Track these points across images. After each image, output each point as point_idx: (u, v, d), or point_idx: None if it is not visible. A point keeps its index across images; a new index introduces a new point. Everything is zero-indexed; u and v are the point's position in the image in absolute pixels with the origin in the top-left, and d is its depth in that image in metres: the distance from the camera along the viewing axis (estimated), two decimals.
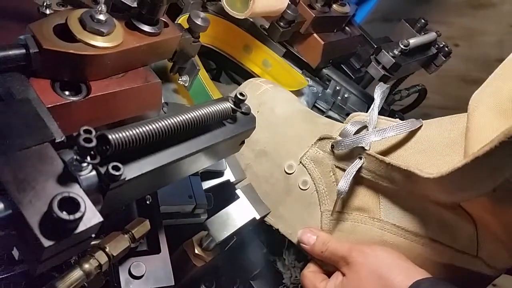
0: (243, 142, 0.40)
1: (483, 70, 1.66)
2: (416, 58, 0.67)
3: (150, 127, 0.29)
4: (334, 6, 0.66)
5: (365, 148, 0.45)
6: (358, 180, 0.47)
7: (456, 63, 1.56)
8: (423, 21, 0.75)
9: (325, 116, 0.61)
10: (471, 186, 0.36)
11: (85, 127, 0.26)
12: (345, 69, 0.73)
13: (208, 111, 0.33)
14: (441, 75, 1.54)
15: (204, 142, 0.33)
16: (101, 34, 0.37)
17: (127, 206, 0.38)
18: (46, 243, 0.23)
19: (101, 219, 0.25)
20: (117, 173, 0.26)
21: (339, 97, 0.66)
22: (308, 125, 0.52)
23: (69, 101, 0.36)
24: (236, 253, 0.60)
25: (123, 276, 0.34)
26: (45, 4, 0.41)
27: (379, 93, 0.50)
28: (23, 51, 0.34)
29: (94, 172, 0.27)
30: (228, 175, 0.51)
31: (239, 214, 0.49)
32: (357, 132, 0.48)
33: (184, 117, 0.31)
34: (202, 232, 0.50)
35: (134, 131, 0.28)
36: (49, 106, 0.34)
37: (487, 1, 1.39)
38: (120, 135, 0.27)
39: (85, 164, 0.26)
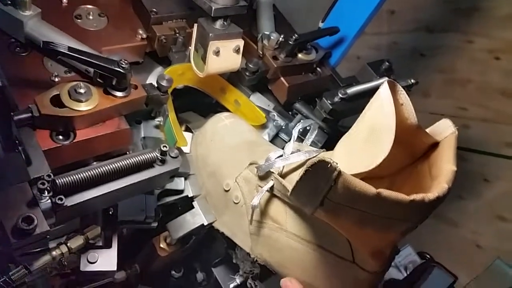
0: (173, 176, 0.58)
1: None
2: (364, 100, 0.80)
3: (89, 173, 0.48)
4: (299, 55, 0.81)
5: (273, 172, 0.61)
6: (273, 196, 0.62)
7: (497, 76, 1.60)
8: (387, 63, 0.86)
9: None
10: (306, 201, 0.50)
11: (47, 173, 0.46)
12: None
13: (132, 160, 0.51)
14: (481, 88, 1.58)
15: (130, 180, 0.51)
16: (80, 101, 0.56)
17: (94, 214, 0.58)
18: (13, 240, 0.43)
19: (47, 228, 0.45)
20: (60, 202, 0.45)
21: (299, 129, 0.80)
22: (249, 152, 0.68)
23: (59, 145, 0.56)
24: (202, 246, 0.78)
25: (83, 261, 0.55)
26: (54, 74, 0.62)
27: (298, 128, 0.65)
28: (30, 115, 0.54)
29: (49, 201, 0.46)
30: (188, 191, 0.69)
31: (192, 220, 0.68)
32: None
33: (112, 166, 0.49)
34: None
35: (77, 176, 0.47)
36: (44, 149, 0.54)
37: None
38: (66, 179, 0.47)
39: (44, 195, 0.46)
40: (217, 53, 0.66)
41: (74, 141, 0.57)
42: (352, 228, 0.52)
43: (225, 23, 0.66)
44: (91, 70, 0.60)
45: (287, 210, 0.61)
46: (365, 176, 0.48)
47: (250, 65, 0.75)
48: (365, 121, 0.53)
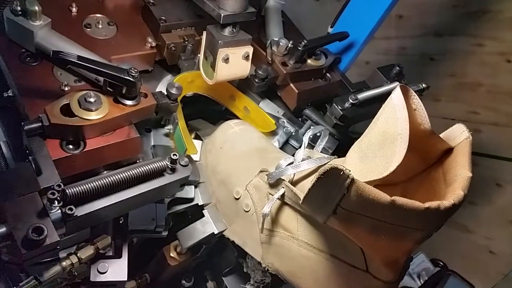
0: (183, 184, 0.57)
1: None
2: (376, 105, 0.79)
3: (99, 182, 0.48)
4: (309, 61, 0.81)
5: (284, 179, 0.60)
6: (284, 204, 0.61)
7: (508, 79, 1.58)
8: (398, 68, 0.85)
9: None
10: (318, 209, 0.50)
11: (57, 183, 0.46)
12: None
13: (142, 169, 0.50)
14: (492, 91, 1.56)
15: (141, 189, 0.51)
16: (91, 110, 0.56)
17: (104, 224, 0.57)
18: (23, 251, 0.43)
19: (57, 238, 0.44)
20: (70, 212, 0.45)
21: (310, 136, 0.80)
22: (259, 160, 0.67)
23: (69, 154, 0.56)
24: (212, 255, 0.78)
25: (93, 271, 0.54)
26: (64, 83, 0.62)
27: (308, 135, 0.65)
28: (40, 124, 0.54)
29: (59, 211, 0.46)
30: (198, 200, 0.68)
31: (202, 228, 0.67)
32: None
33: (123, 175, 0.49)
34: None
35: (87, 186, 0.47)
36: (55, 158, 0.54)
37: None
38: (76, 189, 0.46)
39: (54, 205, 0.45)
40: (226, 60, 0.65)
41: (84, 150, 0.57)
42: (366, 237, 0.51)
43: (234, 30, 0.65)
44: (101, 79, 0.60)
45: (299, 218, 0.60)
46: (378, 183, 0.47)
47: (260, 72, 0.74)
48: (378, 127, 0.52)
